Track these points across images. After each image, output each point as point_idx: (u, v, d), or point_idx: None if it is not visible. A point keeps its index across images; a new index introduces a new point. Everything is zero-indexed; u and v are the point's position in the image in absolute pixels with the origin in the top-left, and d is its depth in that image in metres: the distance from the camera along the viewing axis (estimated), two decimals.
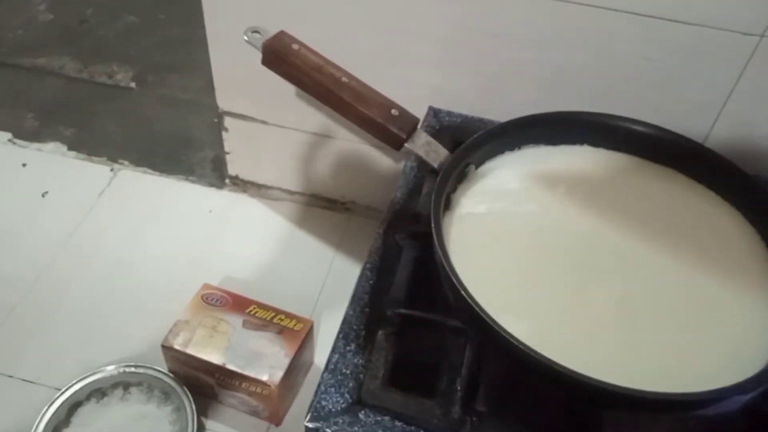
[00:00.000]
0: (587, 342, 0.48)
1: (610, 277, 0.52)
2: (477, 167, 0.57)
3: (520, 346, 0.42)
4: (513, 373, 0.50)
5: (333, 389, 0.49)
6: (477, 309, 0.44)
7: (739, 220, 0.55)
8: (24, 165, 0.97)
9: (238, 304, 0.72)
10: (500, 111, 0.63)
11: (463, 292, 0.45)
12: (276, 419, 0.71)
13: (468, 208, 0.55)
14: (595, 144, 0.60)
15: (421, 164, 0.66)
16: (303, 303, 0.81)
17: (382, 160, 0.84)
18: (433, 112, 0.72)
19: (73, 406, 0.69)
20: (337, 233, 0.91)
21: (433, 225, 0.49)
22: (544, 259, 0.53)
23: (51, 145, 1.00)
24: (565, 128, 0.60)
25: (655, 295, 0.51)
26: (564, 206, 0.56)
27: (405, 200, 0.63)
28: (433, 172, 0.56)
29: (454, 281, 0.46)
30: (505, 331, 0.43)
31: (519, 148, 0.59)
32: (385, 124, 0.54)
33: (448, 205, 0.54)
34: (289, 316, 0.71)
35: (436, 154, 0.55)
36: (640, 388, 0.41)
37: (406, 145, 0.55)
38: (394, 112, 0.54)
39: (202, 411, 0.71)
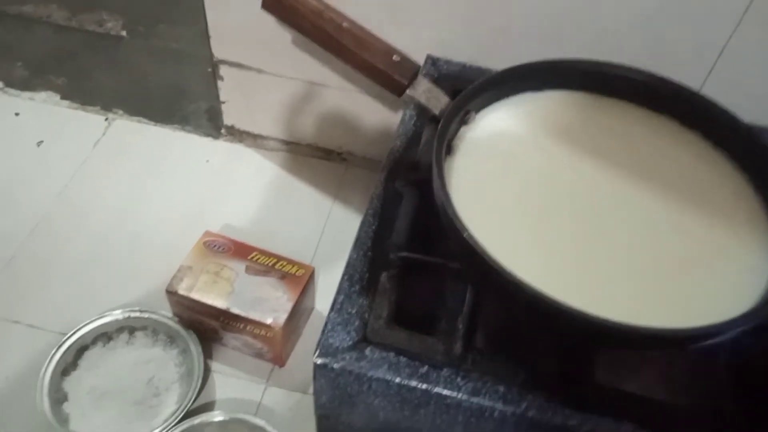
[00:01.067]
0: (586, 282, 0.49)
1: (609, 220, 0.53)
2: (477, 113, 0.58)
3: (522, 285, 0.44)
4: (514, 313, 0.52)
5: (339, 327, 0.51)
6: (477, 249, 0.46)
7: (731, 167, 0.57)
8: (17, 114, 0.96)
9: (240, 250, 0.73)
10: (498, 60, 0.64)
11: (464, 234, 0.47)
12: (279, 361, 0.73)
13: (468, 154, 0.56)
14: (592, 91, 0.61)
15: (421, 113, 0.67)
16: (302, 252, 0.82)
17: (379, 109, 0.84)
18: (432, 61, 0.72)
19: (80, 350, 0.71)
20: (333, 184, 0.92)
21: (435, 169, 0.50)
22: (544, 203, 0.54)
23: (43, 95, 0.99)
24: (562, 75, 0.61)
25: (651, 236, 0.53)
26: (563, 150, 0.58)
27: (404, 148, 0.64)
28: (434, 119, 0.57)
29: (456, 224, 0.47)
30: (505, 270, 0.45)
31: (518, 94, 0.60)
32: (386, 71, 0.54)
33: (449, 151, 0.55)
34: (291, 262, 0.73)
35: (437, 100, 0.56)
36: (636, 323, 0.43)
37: (407, 91, 0.55)
38: (395, 58, 0.55)
39: (207, 354, 0.73)
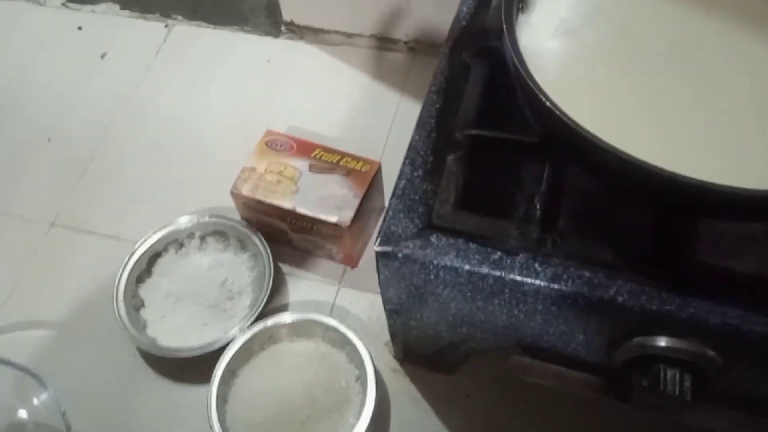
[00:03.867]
0: (683, 148, 0.42)
1: (707, 79, 0.45)
2: None
3: (612, 151, 0.37)
4: (600, 186, 0.45)
5: (402, 214, 0.46)
6: (558, 112, 0.39)
7: None
8: (80, 28, 0.95)
9: (303, 148, 0.69)
10: None
11: (541, 96, 0.40)
12: (351, 261, 0.70)
13: (546, 11, 0.48)
14: None
15: None
16: (371, 148, 0.77)
17: None
18: None
19: (153, 257, 0.70)
20: (401, 76, 0.85)
21: (504, 26, 0.43)
22: (640, 61, 0.46)
23: (103, 6, 0.97)
24: None
25: (756, 94, 0.44)
26: (655, 7, 0.48)
27: (472, 14, 0.57)
28: None
29: (531, 86, 0.41)
30: (593, 135, 0.38)
31: None
32: None
33: (523, 8, 0.48)
34: (356, 158, 0.68)
35: None
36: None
37: None
38: None
39: (278, 256, 0.71)
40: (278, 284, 0.70)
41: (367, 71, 0.86)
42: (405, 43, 0.86)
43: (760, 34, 0.46)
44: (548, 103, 0.39)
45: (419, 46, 0.86)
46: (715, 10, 0.48)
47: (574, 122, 0.38)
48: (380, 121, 0.81)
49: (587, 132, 0.38)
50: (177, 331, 0.67)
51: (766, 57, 0.45)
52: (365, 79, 0.86)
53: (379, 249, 0.44)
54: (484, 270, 0.43)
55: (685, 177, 0.36)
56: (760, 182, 0.37)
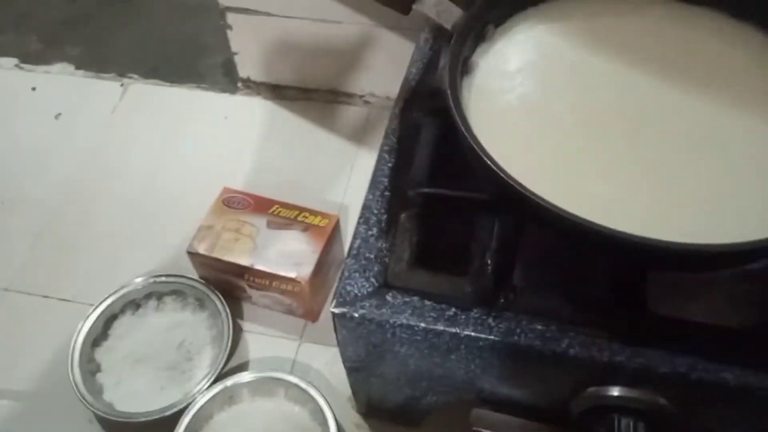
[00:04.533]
0: (624, 202, 0.44)
1: (644, 133, 0.47)
2: (496, 27, 0.52)
3: (557, 211, 0.38)
4: (550, 241, 0.47)
5: (357, 274, 0.46)
6: (503, 176, 0.40)
7: None
8: (33, 89, 0.95)
9: (260, 205, 0.69)
10: None
11: (486, 159, 0.41)
12: (311, 316, 0.70)
13: (489, 72, 0.50)
14: None
15: (437, 35, 0.61)
16: (329, 202, 0.78)
17: (397, 42, 0.78)
18: None
19: (109, 319, 0.69)
20: (358, 129, 0.87)
21: (449, 92, 0.45)
22: (577, 119, 0.48)
23: (58, 66, 0.97)
24: None
25: (698, 146, 0.46)
26: (594, 62, 0.51)
27: (421, 75, 0.59)
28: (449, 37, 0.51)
29: (476, 149, 0.42)
30: (536, 195, 0.39)
31: (542, 1, 0.54)
32: None
33: (466, 71, 0.49)
34: (314, 213, 0.69)
35: (448, 14, 0.49)
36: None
37: (414, 6, 0.49)
38: None
39: (238, 314, 0.70)
40: (238, 342, 0.69)
41: (324, 125, 0.87)
42: (360, 96, 0.88)
43: (700, 90, 0.49)
44: (491, 165, 0.41)
45: (375, 99, 0.88)
46: (654, 65, 0.50)
47: (516, 182, 0.39)
48: (338, 174, 0.82)
49: (530, 192, 0.39)
50: (135, 395, 0.65)
51: (707, 112, 0.47)
52: (322, 132, 0.87)
53: (335, 311, 0.45)
54: (439, 327, 0.43)
55: (628, 234, 0.37)
56: (708, 236, 0.38)
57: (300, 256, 0.65)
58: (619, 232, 0.37)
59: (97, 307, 0.69)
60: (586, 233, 0.38)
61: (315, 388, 0.62)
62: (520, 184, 0.40)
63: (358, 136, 0.86)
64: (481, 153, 0.41)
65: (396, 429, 0.62)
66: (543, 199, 0.39)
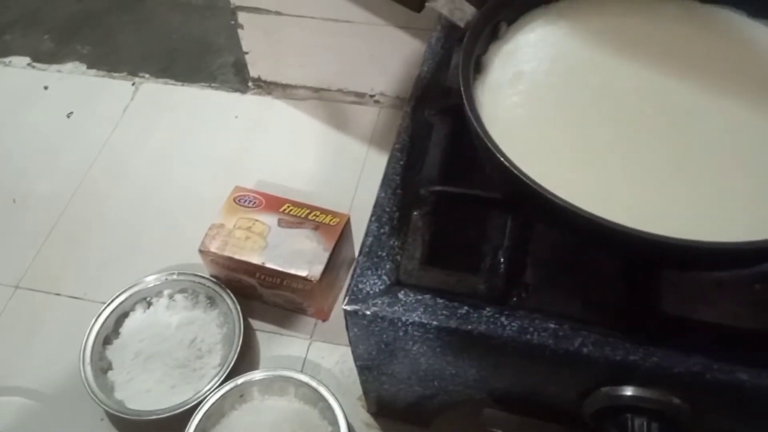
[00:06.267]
0: (641, 201, 0.43)
1: (664, 133, 0.47)
2: (509, 25, 0.52)
3: (572, 209, 0.38)
4: (563, 240, 0.46)
5: (369, 272, 0.46)
6: (518, 174, 0.40)
7: None
8: (46, 88, 0.95)
9: (271, 203, 0.70)
10: None
11: (501, 157, 0.41)
12: (322, 314, 0.70)
13: (502, 70, 0.50)
14: None
15: (449, 34, 0.61)
16: (340, 201, 0.78)
17: (408, 42, 0.78)
18: None
19: (120, 317, 0.70)
20: (368, 127, 0.87)
21: (462, 90, 0.45)
22: (590, 119, 0.48)
23: (70, 65, 0.97)
24: None
25: (714, 146, 0.46)
26: (609, 61, 0.51)
27: (433, 74, 0.58)
28: (461, 36, 0.51)
29: (491, 147, 0.42)
30: (551, 193, 0.39)
31: (555, 0, 0.53)
32: None
33: (479, 69, 0.49)
34: (325, 211, 0.69)
35: (461, 11, 0.49)
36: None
37: (427, 4, 0.49)
38: None
39: (249, 312, 0.70)
40: (249, 341, 0.69)
41: (334, 124, 0.88)
42: (371, 96, 0.88)
43: (715, 88, 0.48)
44: (506, 164, 0.40)
45: (385, 99, 0.88)
46: (670, 65, 0.50)
47: (531, 180, 0.39)
48: (349, 173, 0.82)
49: (544, 190, 0.39)
50: (146, 392, 0.65)
51: (722, 110, 0.47)
52: (333, 132, 0.87)
53: (347, 308, 0.45)
54: (452, 325, 0.43)
55: (644, 232, 0.37)
56: (723, 234, 0.38)
57: (311, 254, 0.65)
58: (635, 229, 0.37)
59: (108, 304, 0.69)
60: (602, 231, 0.38)
61: (325, 387, 0.62)
62: (537, 183, 0.39)
63: (368, 135, 0.86)
64: (496, 152, 0.41)
65: (406, 429, 0.62)
66: (558, 197, 0.39)
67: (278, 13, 0.80)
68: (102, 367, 0.67)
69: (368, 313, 0.44)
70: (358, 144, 0.85)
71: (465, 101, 0.44)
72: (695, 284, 0.48)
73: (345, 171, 0.82)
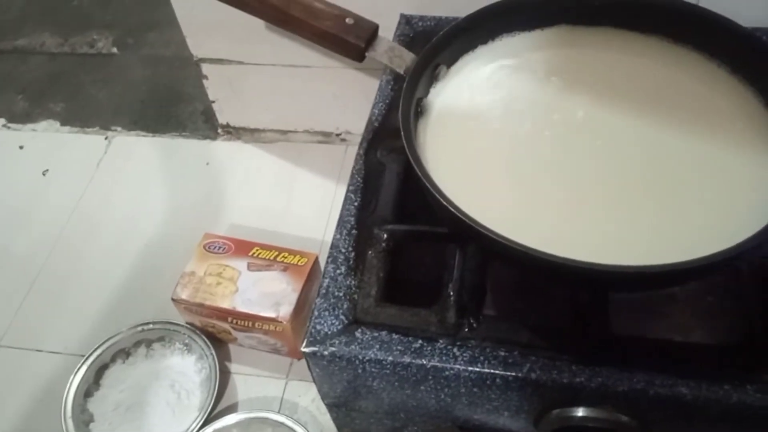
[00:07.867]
0: (580, 231, 0.45)
1: (599, 163, 0.49)
2: (449, 67, 0.54)
3: (510, 245, 0.40)
4: (509, 273, 0.49)
5: (327, 312, 0.48)
6: (456, 212, 0.42)
7: (732, 80, 0.52)
8: (21, 147, 0.97)
9: (240, 248, 0.71)
10: (475, 7, 0.59)
11: (439, 197, 0.43)
12: (296, 354, 0.71)
13: (442, 111, 0.53)
14: (572, 22, 0.56)
15: (398, 75, 0.63)
16: (310, 241, 0.80)
17: (367, 80, 0.81)
18: (405, 20, 0.68)
19: (100, 369, 0.71)
20: (336, 166, 0.89)
21: (402, 133, 0.47)
22: (529, 152, 0.50)
23: (44, 124, 1.00)
24: (538, 10, 0.56)
25: (648, 171, 0.48)
26: (546, 94, 0.53)
27: (384, 116, 0.61)
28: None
29: (429, 187, 0.44)
30: (487, 229, 0.41)
31: (492, 40, 0.56)
32: (340, 35, 0.51)
33: (421, 111, 0.52)
34: (293, 252, 0.71)
35: (400, 59, 0.52)
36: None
37: (367, 54, 0.52)
38: (348, 20, 0.51)
39: (225, 355, 0.72)
40: (226, 384, 0.70)
41: (303, 165, 0.90)
42: (337, 135, 0.91)
43: (646, 115, 0.51)
44: (444, 203, 0.42)
45: (351, 137, 0.90)
46: (608, 95, 0.52)
47: (467, 216, 0.41)
48: (319, 212, 0.84)
49: (480, 225, 0.41)
50: None
51: (659, 139, 0.49)
52: (302, 171, 0.89)
53: (306, 350, 0.47)
54: (406, 359, 0.45)
55: (577, 261, 0.39)
56: (656, 257, 0.40)
57: (280, 296, 0.67)
58: (568, 259, 0.39)
59: (87, 357, 0.70)
60: (539, 263, 0.40)
61: (302, 426, 0.63)
62: (473, 220, 0.41)
63: (336, 173, 0.88)
64: (435, 192, 0.43)
65: None
66: (493, 232, 0.41)
67: (240, 63, 0.83)
68: (84, 420, 0.68)
69: (326, 353, 0.46)
70: (327, 182, 0.88)
71: (405, 145, 0.46)
72: (649, 300, 0.50)
73: (315, 210, 0.84)
